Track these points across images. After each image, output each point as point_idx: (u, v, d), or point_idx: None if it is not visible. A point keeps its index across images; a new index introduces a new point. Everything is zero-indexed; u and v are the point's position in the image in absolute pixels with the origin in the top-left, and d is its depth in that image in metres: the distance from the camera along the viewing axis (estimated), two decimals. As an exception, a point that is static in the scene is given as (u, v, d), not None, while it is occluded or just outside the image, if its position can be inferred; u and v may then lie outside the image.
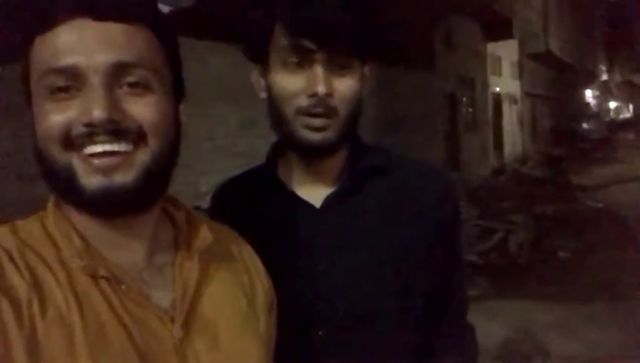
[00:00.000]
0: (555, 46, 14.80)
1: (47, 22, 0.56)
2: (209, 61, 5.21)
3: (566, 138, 15.17)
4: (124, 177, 0.56)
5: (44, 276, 0.56)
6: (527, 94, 15.45)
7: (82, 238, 0.59)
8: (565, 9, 17.01)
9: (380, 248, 0.85)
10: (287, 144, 0.88)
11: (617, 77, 41.64)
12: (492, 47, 12.36)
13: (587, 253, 5.58)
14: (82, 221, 0.60)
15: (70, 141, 0.56)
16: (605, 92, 36.53)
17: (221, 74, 5.24)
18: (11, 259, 0.55)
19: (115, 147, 0.56)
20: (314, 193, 0.87)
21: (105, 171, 0.56)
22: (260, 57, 0.84)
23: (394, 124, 7.64)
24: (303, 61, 0.79)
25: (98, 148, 0.55)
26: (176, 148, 0.63)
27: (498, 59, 13.45)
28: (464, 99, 11.19)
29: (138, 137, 0.57)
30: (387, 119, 7.26)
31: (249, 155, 5.53)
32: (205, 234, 0.67)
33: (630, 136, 25.79)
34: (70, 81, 0.56)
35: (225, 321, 0.65)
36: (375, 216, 0.86)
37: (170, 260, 0.65)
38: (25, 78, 0.60)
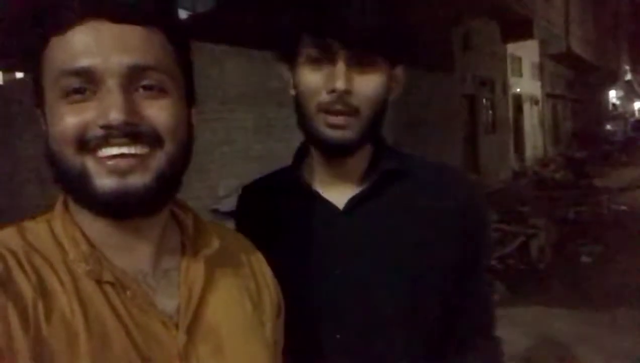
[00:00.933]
0: (576, 46, 14.54)
1: (63, 23, 0.56)
2: (226, 66, 5.25)
3: (589, 139, 14.88)
4: (140, 179, 0.56)
5: (49, 279, 0.56)
6: (548, 95, 15.21)
7: (89, 241, 0.59)
8: (587, 8, 16.70)
9: (399, 252, 0.84)
10: (310, 142, 0.87)
11: (642, 78, 40.72)
12: (512, 48, 12.21)
13: (610, 258, 5.46)
14: (89, 224, 0.60)
15: (85, 143, 0.55)
16: (630, 93, 35.76)
17: (238, 79, 5.27)
18: (18, 261, 0.55)
19: (131, 150, 0.55)
20: (337, 195, 0.87)
21: (120, 173, 0.55)
22: (288, 55, 0.84)
23: (412, 126, 7.59)
24: (326, 58, 0.79)
25: (114, 150, 0.55)
26: (189, 152, 0.62)
27: (518, 60, 13.28)
28: (484, 100, 11.07)
29: (153, 140, 0.57)
30: (405, 121, 7.22)
31: (266, 159, 5.55)
32: (212, 239, 0.67)
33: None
34: (86, 83, 0.55)
35: (230, 327, 0.64)
36: (396, 220, 0.85)
37: (176, 264, 0.64)
38: (38, 79, 0.59)
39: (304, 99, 0.82)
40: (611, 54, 22.74)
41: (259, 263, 0.75)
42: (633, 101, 38.18)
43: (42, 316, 0.53)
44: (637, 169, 13.94)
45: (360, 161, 0.86)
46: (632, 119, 29.89)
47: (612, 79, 25.38)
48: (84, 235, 0.59)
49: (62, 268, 0.57)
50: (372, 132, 0.84)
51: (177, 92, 0.60)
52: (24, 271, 0.54)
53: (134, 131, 0.55)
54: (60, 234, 0.59)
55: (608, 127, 20.69)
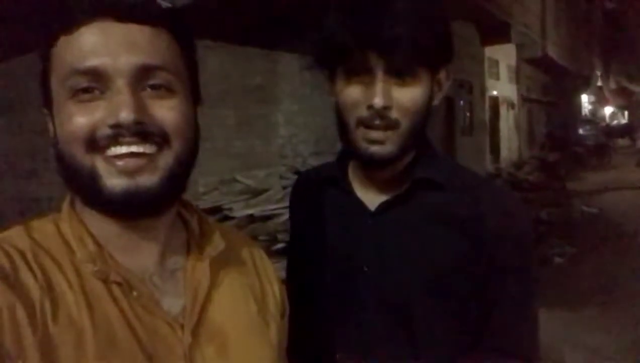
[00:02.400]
0: (552, 51, 14.85)
1: (71, 23, 0.56)
2: (206, 61, 5.19)
3: (562, 143, 15.23)
4: (149, 179, 0.56)
5: (56, 279, 0.56)
6: (524, 99, 15.49)
7: (96, 242, 0.59)
8: (563, 15, 17.08)
9: (424, 257, 0.83)
10: (349, 153, 0.87)
11: (612, 84, 41.85)
12: (490, 51, 12.38)
13: (581, 259, 5.59)
14: (97, 224, 0.60)
15: (94, 143, 0.55)
16: (601, 98, 36.69)
17: (219, 74, 5.22)
18: (25, 260, 0.55)
19: (140, 148, 0.56)
20: (372, 197, 0.88)
21: (130, 173, 0.55)
22: (327, 64, 0.84)
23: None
24: (364, 70, 0.77)
25: (123, 149, 0.55)
26: (195, 151, 0.63)
27: (496, 63, 13.48)
28: (462, 102, 11.20)
29: (162, 139, 0.57)
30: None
31: (247, 156, 5.52)
32: (217, 240, 0.67)
33: (625, 142, 25.97)
34: (94, 83, 0.56)
35: (235, 328, 0.65)
36: (423, 227, 0.84)
37: (182, 264, 0.65)
38: (45, 79, 0.59)
39: (343, 113, 0.81)
40: (584, 60, 23.32)
41: (264, 263, 0.75)
42: (603, 107, 39.20)
43: (49, 315, 0.53)
44: (607, 172, 14.36)
45: (397, 168, 0.86)
46: (603, 124, 30.72)
47: (585, 84, 26.00)
48: (91, 235, 0.59)
49: (69, 268, 0.57)
50: (414, 142, 0.83)
51: (183, 92, 0.60)
52: (32, 271, 0.54)
53: (143, 131, 0.55)
54: (67, 234, 0.59)
55: (580, 131, 21.18)
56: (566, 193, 9.93)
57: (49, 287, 0.55)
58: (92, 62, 0.55)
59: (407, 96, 0.78)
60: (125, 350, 0.55)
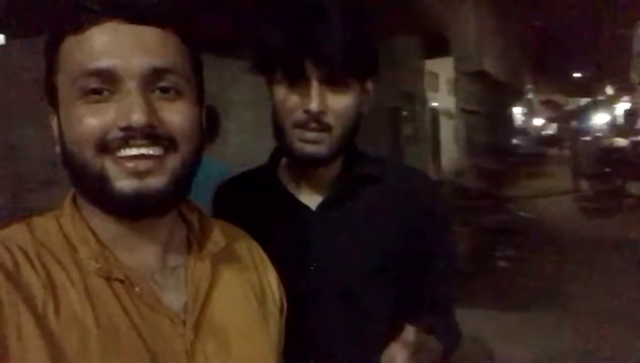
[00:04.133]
0: (488, 65, 15.60)
1: (82, 23, 0.55)
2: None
3: (499, 152, 15.97)
4: (157, 181, 0.56)
5: (58, 276, 0.55)
6: (462, 110, 16.14)
7: (98, 240, 0.59)
8: (498, 32, 18.00)
9: (367, 250, 0.90)
10: (284, 153, 0.91)
11: (541, 97, 44.47)
12: (430, 64, 12.84)
13: (522, 262, 5.85)
14: (99, 222, 0.60)
15: (105, 145, 0.55)
16: (531, 110, 38.91)
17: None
18: (27, 258, 0.55)
19: (150, 151, 0.56)
20: (311, 197, 0.92)
21: (140, 175, 0.55)
22: (263, 69, 0.88)
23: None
24: (300, 79, 0.83)
25: (133, 151, 0.55)
26: (200, 152, 0.63)
27: (435, 76, 13.98)
28: (405, 113, 11.52)
29: (169, 143, 0.57)
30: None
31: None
32: (217, 237, 0.68)
33: (555, 151, 27.67)
34: (104, 84, 0.55)
35: (236, 324, 0.65)
36: (364, 221, 0.91)
37: (183, 261, 0.65)
38: (50, 77, 0.58)
39: (280, 115, 0.86)
40: (517, 74, 24.65)
41: (262, 260, 0.76)
42: (533, 118, 41.59)
43: (52, 312, 0.52)
44: (543, 180, 15.21)
45: (332, 168, 0.92)
46: (536, 135, 32.55)
47: (518, 97, 27.47)
48: (93, 232, 0.59)
49: (71, 266, 0.56)
50: (344, 145, 0.89)
51: (191, 94, 0.61)
52: (34, 268, 0.54)
53: (153, 133, 0.55)
54: (69, 232, 0.59)
55: (514, 141, 22.32)
56: (504, 199, 10.40)
57: (51, 284, 0.55)
58: (104, 63, 0.55)
59: (340, 102, 0.84)
60: (129, 346, 0.56)
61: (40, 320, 0.52)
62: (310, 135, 0.85)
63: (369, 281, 0.90)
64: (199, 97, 0.64)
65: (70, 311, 0.54)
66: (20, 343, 0.51)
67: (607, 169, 11.49)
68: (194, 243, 0.67)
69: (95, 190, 0.57)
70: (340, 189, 0.92)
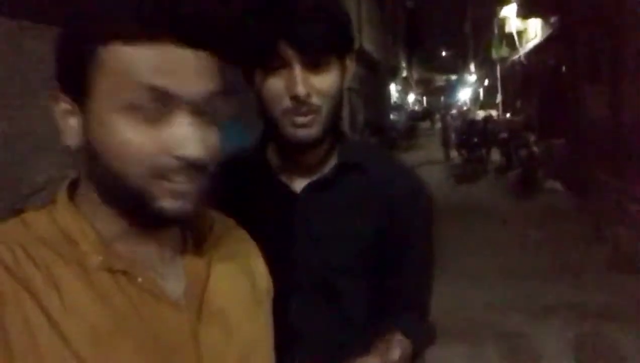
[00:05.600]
0: (367, 45, 16.27)
1: (143, 34, 0.52)
2: (24, 44, 4.61)
3: (378, 128, 16.84)
4: (190, 201, 0.58)
5: (60, 270, 0.56)
6: (347, 89, 16.69)
7: (97, 233, 0.59)
8: (374, 13, 18.80)
9: (348, 235, 0.92)
10: (276, 139, 0.92)
11: (415, 74, 47.31)
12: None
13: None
14: (99, 217, 0.60)
15: (156, 171, 0.55)
16: (406, 87, 41.28)
17: (40, 60, 4.68)
18: (27, 254, 0.55)
19: (193, 186, 0.57)
20: (297, 180, 0.94)
21: (181, 196, 0.56)
22: (246, 62, 0.88)
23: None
24: (282, 66, 0.84)
25: (184, 182, 0.56)
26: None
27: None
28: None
29: (203, 170, 0.58)
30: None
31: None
32: (211, 224, 0.70)
33: (426, 125, 29.82)
34: (156, 103, 0.53)
35: (235, 307, 0.68)
36: (346, 207, 0.93)
37: (179, 250, 0.66)
38: (80, 78, 0.55)
39: (268, 103, 0.87)
40: (392, 53, 25.97)
41: (251, 247, 0.78)
42: (408, 95, 44.21)
43: (57, 306, 0.54)
44: (417, 152, 16.39)
45: (319, 151, 0.94)
46: (409, 110, 34.67)
47: (393, 75, 28.97)
48: (91, 226, 0.59)
49: (72, 260, 0.57)
50: (332, 123, 0.91)
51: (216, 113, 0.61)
52: (35, 264, 0.54)
53: (203, 165, 0.57)
54: (67, 226, 0.59)
55: (392, 116, 23.64)
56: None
57: (53, 279, 0.55)
58: (162, 81, 0.53)
59: (324, 82, 0.87)
60: (136, 335, 0.57)
61: (46, 313, 0.52)
62: (301, 119, 0.86)
63: (348, 267, 0.92)
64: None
65: (75, 304, 0.54)
66: (30, 337, 0.51)
67: (474, 140, 12.71)
68: (188, 232, 0.68)
69: (133, 206, 0.57)
70: (325, 173, 0.93)
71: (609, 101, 7.77)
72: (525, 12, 13.58)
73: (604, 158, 7.58)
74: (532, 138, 10.33)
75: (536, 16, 13.09)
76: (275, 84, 0.86)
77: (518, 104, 16.10)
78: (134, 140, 0.54)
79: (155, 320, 0.59)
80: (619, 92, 7.34)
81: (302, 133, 0.88)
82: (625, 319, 3.72)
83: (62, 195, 0.61)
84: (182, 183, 0.56)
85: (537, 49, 13.20)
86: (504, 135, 12.06)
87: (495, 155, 12.56)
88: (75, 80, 0.56)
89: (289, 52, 0.84)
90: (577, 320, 3.76)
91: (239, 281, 0.71)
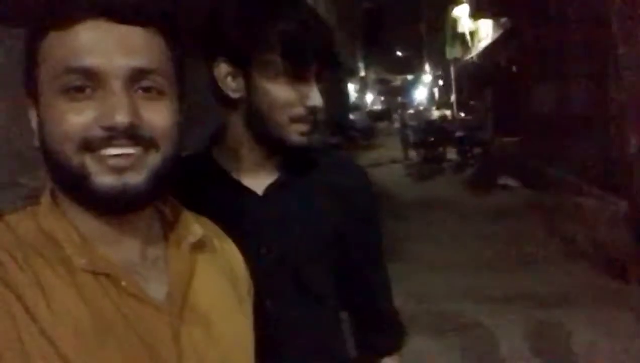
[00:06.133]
0: (325, 45, 16.34)
1: (68, 19, 0.55)
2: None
3: (338, 127, 16.97)
4: (136, 178, 0.58)
5: (45, 273, 0.56)
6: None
7: (81, 235, 0.59)
8: (331, 13, 18.92)
9: (313, 229, 0.95)
10: (270, 144, 0.92)
11: (372, 74, 47.90)
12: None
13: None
14: (80, 218, 0.60)
15: (86, 143, 0.56)
16: (364, 87, 41.76)
17: None
18: (11, 256, 0.55)
19: (131, 150, 0.57)
20: (255, 181, 0.94)
21: (119, 171, 0.57)
22: (239, 61, 0.88)
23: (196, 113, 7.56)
24: (298, 75, 0.86)
25: (116, 151, 0.56)
26: (180, 149, 0.64)
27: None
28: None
29: (149, 143, 0.59)
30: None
31: (27, 155, 4.82)
32: (193, 226, 0.70)
33: (385, 124, 30.28)
34: (88, 82, 0.56)
35: (217, 307, 0.68)
36: (307, 203, 0.96)
37: (162, 252, 0.67)
38: (30, 71, 0.58)
39: (272, 110, 0.88)
40: (350, 53, 26.20)
41: (229, 245, 0.79)
42: (366, 94, 44.75)
43: (44, 309, 0.53)
44: (377, 151, 16.61)
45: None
46: (367, 109, 35.11)
47: (351, 75, 29.24)
48: (75, 228, 0.60)
49: (56, 262, 0.57)
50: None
51: (172, 94, 0.62)
52: (19, 266, 0.54)
53: (135, 134, 0.57)
54: (52, 228, 0.59)
55: (351, 117, 23.86)
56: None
57: (39, 282, 0.55)
58: (88, 62, 0.55)
59: (322, 95, 0.91)
60: (122, 338, 0.57)
61: (32, 315, 0.53)
62: (307, 128, 0.89)
63: (317, 263, 0.95)
64: (180, 96, 0.65)
65: (61, 308, 0.55)
66: (17, 340, 0.51)
67: (431, 139, 13.01)
68: (171, 234, 0.68)
69: (75, 186, 0.58)
70: (284, 172, 0.95)
71: (558, 98, 8.10)
72: (476, 13, 13.99)
73: (555, 153, 7.90)
74: (486, 136, 10.66)
75: (487, 17, 13.51)
76: (287, 93, 0.87)
77: (472, 103, 16.56)
78: (68, 118, 0.56)
79: (138, 322, 0.59)
80: (567, 90, 7.66)
81: (304, 141, 0.91)
82: (578, 306, 3.89)
83: (45, 198, 0.62)
84: (117, 158, 0.56)
85: (489, 49, 13.63)
86: (460, 134, 12.40)
87: (452, 154, 12.88)
88: (29, 78, 0.59)
89: (310, 67, 0.87)
90: (533, 309, 3.90)
91: (220, 282, 0.72)
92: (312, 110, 0.88)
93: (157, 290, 0.63)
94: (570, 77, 7.53)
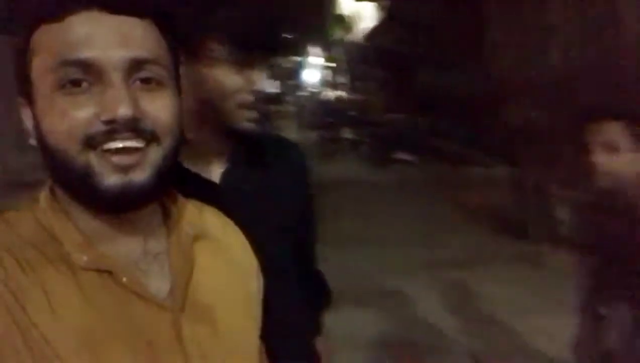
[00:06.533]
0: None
1: (58, 11, 0.53)
2: None
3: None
4: (140, 175, 0.56)
5: (47, 272, 0.54)
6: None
7: (81, 232, 0.58)
8: None
9: (269, 213, 0.97)
10: (217, 133, 0.92)
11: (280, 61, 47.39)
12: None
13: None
14: (80, 215, 0.58)
15: (90, 139, 0.53)
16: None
17: None
18: (12, 256, 0.53)
19: (134, 143, 0.55)
20: (210, 171, 0.94)
21: (124, 169, 0.55)
22: (184, 48, 0.84)
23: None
24: (244, 62, 0.86)
25: (118, 144, 0.54)
26: (180, 144, 0.63)
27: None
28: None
29: (151, 135, 0.57)
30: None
31: None
32: (194, 218, 0.69)
33: (280, 108, 30.33)
34: (85, 75, 0.53)
35: (222, 304, 0.67)
36: (261, 187, 0.97)
37: (163, 247, 0.65)
38: (22, 67, 0.55)
39: (220, 98, 0.88)
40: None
41: (237, 236, 0.77)
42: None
43: (44, 309, 0.53)
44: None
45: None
46: (261, 94, 34.74)
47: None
48: (76, 225, 0.58)
49: (58, 260, 0.56)
50: None
51: (171, 85, 0.61)
52: (20, 266, 0.53)
53: (137, 127, 0.55)
54: (51, 226, 0.57)
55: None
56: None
57: (41, 281, 0.54)
58: (85, 54, 0.53)
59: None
60: (124, 335, 0.56)
61: (32, 315, 0.52)
62: (254, 114, 0.89)
63: (278, 241, 0.96)
64: (178, 89, 0.64)
65: (63, 307, 0.54)
66: (18, 344, 0.50)
67: (327, 120, 13.31)
68: (172, 227, 0.67)
69: (79, 185, 0.56)
70: (239, 160, 0.96)
71: (444, 76, 8.72)
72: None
73: (445, 129, 8.52)
74: (378, 114, 11.16)
75: (369, 0, 14.02)
76: (235, 80, 0.87)
77: (362, 83, 17.19)
78: (69, 114, 0.54)
79: (140, 320, 0.59)
80: (450, 69, 8.27)
81: (253, 127, 0.91)
82: (485, 266, 4.30)
83: (44, 195, 0.60)
84: (120, 155, 0.55)
85: (376, 31, 14.20)
86: (354, 113, 12.83)
87: (347, 133, 13.29)
88: (21, 77, 0.57)
89: (255, 53, 0.88)
90: (446, 273, 4.24)
91: (224, 274, 0.71)
92: (259, 95, 0.89)
93: (159, 286, 0.62)
94: (453, 57, 8.13)
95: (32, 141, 0.58)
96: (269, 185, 1.00)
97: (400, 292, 3.98)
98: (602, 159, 1.31)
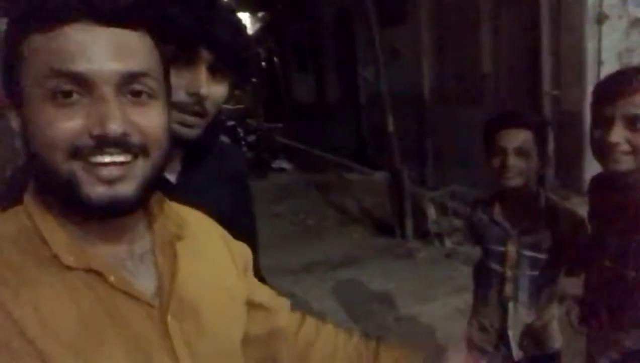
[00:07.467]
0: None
1: (53, 21, 0.52)
2: None
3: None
4: (126, 188, 0.56)
5: (32, 272, 0.54)
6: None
7: (68, 234, 0.58)
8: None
9: (217, 212, 0.97)
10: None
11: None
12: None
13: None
14: (64, 218, 0.58)
15: (76, 151, 0.53)
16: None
17: None
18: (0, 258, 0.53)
19: (121, 158, 0.55)
20: (170, 172, 0.94)
21: (110, 182, 0.55)
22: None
23: None
24: (188, 61, 0.83)
25: (106, 158, 0.54)
26: (168, 156, 0.63)
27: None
28: None
29: (140, 150, 0.57)
30: None
31: None
32: (179, 218, 0.70)
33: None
34: (76, 86, 0.53)
35: (208, 302, 0.68)
36: (210, 187, 0.99)
37: (149, 247, 0.65)
38: (12, 74, 0.54)
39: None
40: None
41: (216, 230, 0.78)
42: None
43: (33, 310, 0.53)
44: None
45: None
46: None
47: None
48: (62, 227, 0.58)
49: (45, 261, 0.56)
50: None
51: (162, 96, 0.61)
52: (8, 268, 0.53)
53: (126, 142, 0.55)
54: (37, 226, 0.57)
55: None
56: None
57: (26, 281, 0.53)
58: (77, 66, 0.52)
59: (219, 90, 0.90)
60: (112, 335, 0.57)
61: (16, 318, 0.52)
62: (190, 119, 0.85)
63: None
64: (169, 98, 0.63)
65: (50, 308, 0.53)
66: (12, 345, 0.50)
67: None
68: (157, 227, 0.67)
69: (63, 194, 0.56)
70: (191, 161, 0.97)
71: (316, 87, 9.10)
72: (236, 7, 14.43)
73: (315, 136, 8.88)
74: (257, 123, 11.22)
75: (244, 10, 14.09)
76: (175, 80, 0.85)
77: (238, 93, 17.08)
78: (57, 124, 0.53)
79: (128, 318, 0.59)
80: (323, 80, 8.67)
81: (186, 132, 0.88)
82: (364, 263, 4.58)
83: (29, 196, 0.59)
84: (107, 167, 0.55)
85: (253, 40, 14.25)
86: (232, 123, 12.71)
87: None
88: (10, 83, 0.56)
89: (203, 53, 0.84)
90: (329, 272, 4.44)
91: (207, 270, 0.72)
92: (197, 98, 0.85)
93: (146, 285, 0.63)
94: (325, 69, 8.54)
95: (19, 146, 0.58)
96: (214, 187, 1.02)
97: (290, 293, 4.04)
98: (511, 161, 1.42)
